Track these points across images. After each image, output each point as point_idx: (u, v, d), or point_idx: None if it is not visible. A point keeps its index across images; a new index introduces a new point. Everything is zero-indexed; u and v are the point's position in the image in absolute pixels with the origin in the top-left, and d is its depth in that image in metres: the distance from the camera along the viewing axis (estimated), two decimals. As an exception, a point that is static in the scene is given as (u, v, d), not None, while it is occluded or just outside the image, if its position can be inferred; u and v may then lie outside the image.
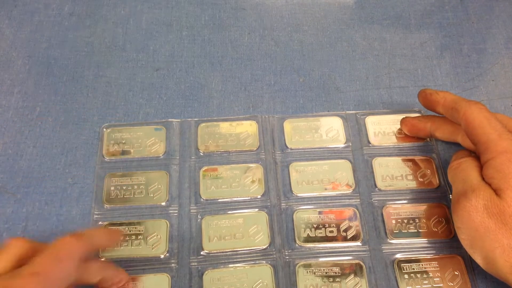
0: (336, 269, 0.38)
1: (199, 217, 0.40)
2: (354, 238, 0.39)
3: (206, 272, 0.38)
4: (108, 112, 0.46)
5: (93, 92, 0.47)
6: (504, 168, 0.34)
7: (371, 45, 0.50)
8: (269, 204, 0.41)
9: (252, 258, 0.39)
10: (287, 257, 0.39)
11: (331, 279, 0.38)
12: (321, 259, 0.39)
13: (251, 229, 0.40)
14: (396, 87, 0.48)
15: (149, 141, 0.44)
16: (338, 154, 0.43)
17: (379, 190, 0.41)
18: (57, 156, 0.43)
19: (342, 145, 0.44)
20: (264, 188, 0.42)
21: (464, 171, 0.37)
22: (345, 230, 0.40)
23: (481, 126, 0.36)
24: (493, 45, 0.50)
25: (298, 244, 0.39)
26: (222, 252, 0.39)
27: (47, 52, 0.50)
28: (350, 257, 0.39)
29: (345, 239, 0.39)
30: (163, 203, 0.41)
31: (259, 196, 0.41)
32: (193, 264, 0.38)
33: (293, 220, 0.40)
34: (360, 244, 0.39)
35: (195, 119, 0.45)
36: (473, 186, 0.35)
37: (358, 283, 0.38)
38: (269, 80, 0.48)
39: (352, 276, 0.38)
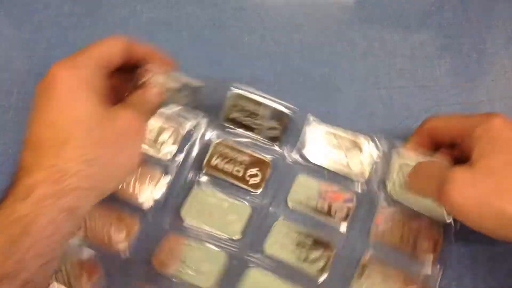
0: (309, 240, 0.39)
1: None
2: (343, 219, 0.40)
3: None
4: (108, 112, 0.46)
5: (93, 92, 0.47)
6: None
7: (371, 45, 0.50)
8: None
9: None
10: (271, 209, 0.41)
11: (300, 246, 0.39)
12: (299, 225, 0.40)
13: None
14: (396, 87, 0.48)
15: None
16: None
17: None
18: (57, 156, 0.43)
19: None
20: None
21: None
22: (337, 210, 0.41)
23: None
24: (493, 45, 0.50)
25: (289, 206, 0.41)
26: None
27: (47, 52, 0.50)
28: (326, 234, 0.40)
29: (330, 215, 0.40)
30: None
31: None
32: None
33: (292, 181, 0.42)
34: (345, 229, 0.40)
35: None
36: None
37: (321, 257, 0.39)
38: (269, 80, 0.48)
39: (321, 250, 0.39)
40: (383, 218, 0.40)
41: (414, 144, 0.40)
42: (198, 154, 0.43)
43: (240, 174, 0.42)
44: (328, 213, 0.40)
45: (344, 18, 0.52)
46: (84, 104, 0.33)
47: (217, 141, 0.43)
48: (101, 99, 0.35)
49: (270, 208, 0.41)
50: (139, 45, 0.39)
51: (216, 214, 0.40)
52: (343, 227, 0.40)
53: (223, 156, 0.42)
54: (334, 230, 0.40)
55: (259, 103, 0.44)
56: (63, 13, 0.52)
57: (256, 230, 0.40)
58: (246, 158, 0.42)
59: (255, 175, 0.42)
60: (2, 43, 0.50)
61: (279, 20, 0.52)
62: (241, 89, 0.44)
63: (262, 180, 0.41)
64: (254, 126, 0.43)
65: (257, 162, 0.42)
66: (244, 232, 0.40)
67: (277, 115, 0.44)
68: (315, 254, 0.39)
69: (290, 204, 0.41)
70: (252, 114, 0.43)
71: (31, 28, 0.51)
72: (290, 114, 0.44)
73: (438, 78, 0.48)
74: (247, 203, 0.41)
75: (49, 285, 0.33)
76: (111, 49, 0.37)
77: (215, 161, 0.42)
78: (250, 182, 0.41)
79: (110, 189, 0.35)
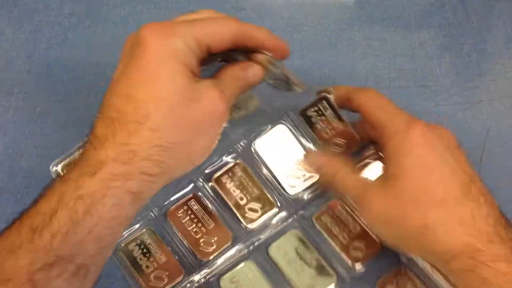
0: (315, 262, 0.39)
1: None
2: (357, 259, 0.39)
3: None
4: (108, 112, 0.46)
5: (93, 92, 0.47)
6: None
7: (371, 45, 0.50)
8: None
9: None
10: (295, 216, 0.40)
11: (299, 256, 0.39)
12: (313, 244, 0.39)
13: None
14: (396, 87, 0.48)
15: None
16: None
17: None
18: (57, 156, 0.43)
19: None
20: None
21: None
22: (355, 247, 0.39)
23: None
24: (493, 45, 0.50)
25: (313, 221, 0.40)
26: None
27: (47, 52, 0.50)
28: (334, 263, 0.39)
29: (347, 250, 0.39)
30: None
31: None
32: None
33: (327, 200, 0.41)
34: (359, 268, 0.39)
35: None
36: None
37: (319, 284, 0.38)
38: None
39: (323, 277, 0.39)
40: (396, 278, 0.39)
41: (341, 97, 0.40)
42: (213, 164, 0.42)
43: (242, 203, 0.40)
44: (347, 247, 0.39)
45: (344, 18, 0.52)
46: (169, 81, 0.30)
47: (237, 161, 0.41)
48: (190, 77, 0.31)
49: (295, 216, 0.40)
50: (253, 31, 0.34)
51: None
52: (357, 266, 0.39)
53: (235, 179, 0.41)
54: (344, 264, 0.39)
55: (340, 118, 0.41)
56: (63, 13, 0.52)
57: (271, 228, 0.40)
58: (255, 191, 0.41)
59: (255, 210, 0.41)
60: (2, 43, 0.50)
61: (279, 20, 0.52)
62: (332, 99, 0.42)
63: (259, 217, 0.40)
64: (324, 134, 0.41)
65: (263, 199, 0.41)
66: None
67: (350, 137, 0.41)
68: (317, 279, 0.38)
69: (314, 220, 0.40)
70: (328, 123, 0.41)
71: (31, 28, 0.51)
72: (362, 143, 0.41)
73: (438, 78, 0.48)
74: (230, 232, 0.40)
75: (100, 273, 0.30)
76: (220, 31, 0.32)
77: (225, 180, 0.41)
78: (246, 215, 0.40)
79: (179, 175, 0.32)
